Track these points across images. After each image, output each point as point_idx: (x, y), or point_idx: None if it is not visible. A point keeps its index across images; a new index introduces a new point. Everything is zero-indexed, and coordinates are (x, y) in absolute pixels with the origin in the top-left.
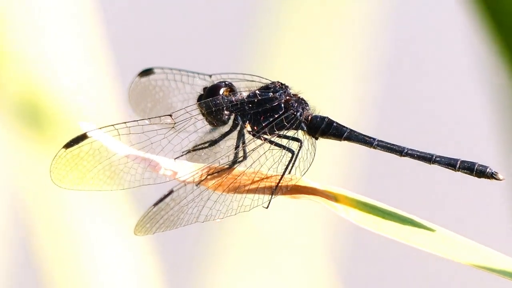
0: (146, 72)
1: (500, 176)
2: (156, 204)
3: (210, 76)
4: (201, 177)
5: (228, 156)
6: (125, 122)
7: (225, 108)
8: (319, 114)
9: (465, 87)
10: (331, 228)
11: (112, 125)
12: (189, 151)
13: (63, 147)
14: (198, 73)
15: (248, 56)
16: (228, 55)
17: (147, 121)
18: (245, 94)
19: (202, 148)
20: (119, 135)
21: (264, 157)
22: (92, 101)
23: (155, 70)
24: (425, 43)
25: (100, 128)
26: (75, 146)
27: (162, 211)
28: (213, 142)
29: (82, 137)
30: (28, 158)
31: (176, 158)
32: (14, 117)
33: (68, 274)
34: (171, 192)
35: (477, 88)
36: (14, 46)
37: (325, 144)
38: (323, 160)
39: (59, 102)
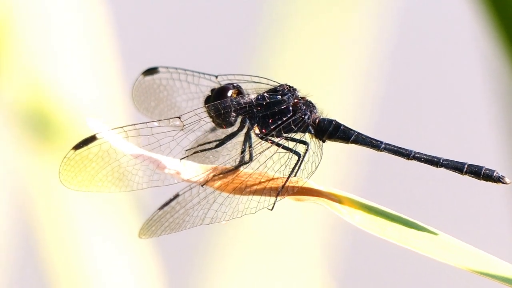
0: (151, 71)
1: (507, 180)
2: (161, 207)
3: (216, 76)
4: (206, 178)
5: (235, 158)
6: (134, 124)
7: (233, 110)
8: (327, 117)
9: (473, 90)
10: (330, 230)
11: (121, 127)
12: (195, 151)
13: (72, 148)
14: (204, 74)
15: (255, 57)
16: (235, 56)
17: (156, 123)
18: (253, 97)
19: (208, 149)
20: (128, 137)
21: (270, 160)
22: (99, 102)
23: (160, 69)
24: (432, 44)
25: (109, 130)
26: (84, 148)
27: (168, 214)
28: (219, 143)
29: (91, 139)
30: (33, 161)
31: (182, 158)
32: (20, 121)
33: (70, 275)
34: (177, 195)
35: (485, 91)
36: (20, 49)
37: (330, 147)
38: (329, 163)
39: (66, 106)
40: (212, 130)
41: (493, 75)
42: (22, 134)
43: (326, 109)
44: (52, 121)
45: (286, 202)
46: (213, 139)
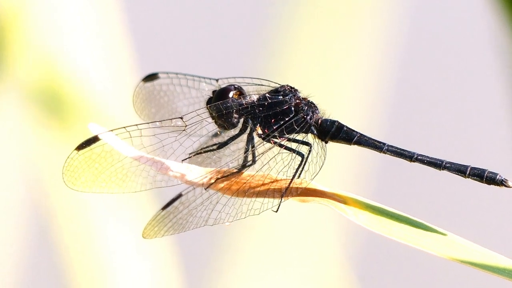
0: (151, 77)
1: (510, 183)
2: (164, 207)
3: (217, 80)
4: (210, 180)
5: (238, 159)
6: (136, 125)
7: (235, 111)
8: (329, 118)
9: (479, 92)
10: (343, 229)
11: (124, 127)
12: (198, 152)
13: (75, 149)
14: (205, 78)
15: (258, 60)
16: (238, 59)
17: (158, 124)
18: (255, 97)
19: (210, 150)
20: (131, 137)
21: (273, 161)
22: (110, 93)
23: (160, 75)
24: (438, 46)
25: (111, 130)
26: (87, 148)
27: (171, 214)
28: (221, 145)
29: (94, 139)
30: (47, 146)
31: (183, 160)
32: (34, 104)
33: (85, 269)
34: (179, 195)
35: (489, 94)
36: (34, 35)
37: (334, 148)
38: (333, 164)
39: (78, 89)
40: (216, 135)
41: (502, 78)
42: (35, 112)
43: (330, 110)
44: (65, 99)
45: (296, 201)
46: (215, 142)
